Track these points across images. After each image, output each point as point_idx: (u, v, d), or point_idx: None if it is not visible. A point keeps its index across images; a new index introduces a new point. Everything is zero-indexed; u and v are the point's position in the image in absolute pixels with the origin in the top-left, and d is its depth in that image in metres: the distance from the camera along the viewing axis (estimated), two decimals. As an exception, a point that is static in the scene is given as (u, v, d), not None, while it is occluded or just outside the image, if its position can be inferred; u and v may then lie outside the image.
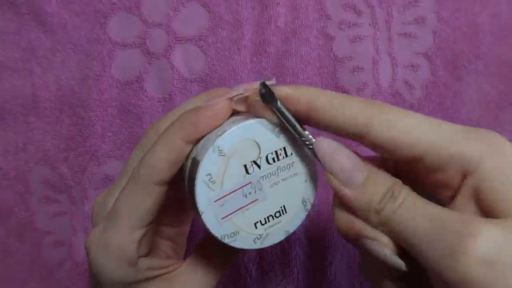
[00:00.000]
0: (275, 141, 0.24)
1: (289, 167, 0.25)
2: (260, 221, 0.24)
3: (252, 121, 0.24)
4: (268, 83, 0.24)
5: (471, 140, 0.21)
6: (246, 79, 0.37)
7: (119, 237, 0.24)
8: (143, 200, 0.24)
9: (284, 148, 0.24)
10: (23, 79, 0.38)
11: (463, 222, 0.19)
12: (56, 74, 0.38)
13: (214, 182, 0.23)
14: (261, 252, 0.37)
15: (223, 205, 0.23)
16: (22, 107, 0.38)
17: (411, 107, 0.37)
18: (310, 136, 0.23)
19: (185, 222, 0.30)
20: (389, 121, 0.21)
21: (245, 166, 0.24)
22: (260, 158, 0.24)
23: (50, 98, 0.38)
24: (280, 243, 0.37)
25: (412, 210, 0.21)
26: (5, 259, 0.38)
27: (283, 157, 0.24)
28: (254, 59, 0.37)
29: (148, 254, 0.27)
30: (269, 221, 0.24)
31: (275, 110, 0.23)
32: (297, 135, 0.24)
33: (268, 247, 0.37)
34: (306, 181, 0.25)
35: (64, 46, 0.38)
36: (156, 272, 0.26)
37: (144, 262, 0.26)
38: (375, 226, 0.22)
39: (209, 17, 0.38)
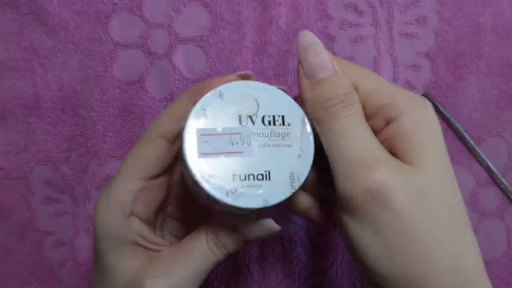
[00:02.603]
0: (276, 107, 0.25)
1: (284, 136, 0.24)
2: (240, 176, 0.23)
3: (260, 83, 0.25)
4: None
5: (401, 97, 0.24)
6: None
7: (118, 184, 0.26)
8: (144, 150, 0.26)
9: (283, 117, 0.25)
10: (25, 79, 0.38)
11: (371, 158, 0.22)
12: (58, 74, 0.38)
13: (207, 117, 0.24)
14: (262, 252, 0.37)
15: (207, 141, 0.23)
16: (23, 107, 0.38)
17: (413, 107, 0.37)
18: None
19: (194, 225, 0.30)
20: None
21: (239, 116, 0.24)
22: (257, 116, 0.24)
23: (52, 98, 0.38)
24: (282, 243, 0.37)
25: (351, 128, 0.23)
26: (7, 259, 0.38)
27: (280, 124, 0.24)
28: (256, 59, 0.37)
29: (145, 223, 0.27)
30: (249, 179, 0.23)
31: None
32: None
33: (268, 248, 0.37)
34: (299, 156, 0.24)
35: (65, 46, 0.38)
36: (143, 242, 0.26)
37: (136, 223, 0.26)
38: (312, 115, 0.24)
39: (210, 18, 0.38)
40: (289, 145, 0.24)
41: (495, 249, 0.37)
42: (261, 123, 0.24)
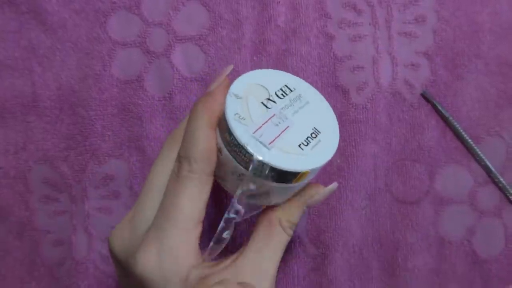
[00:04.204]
0: (276, 81, 0.28)
1: (299, 97, 0.28)
2: (302, 143, 0.26)
3: (249, 72, 0.28)
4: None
5: None
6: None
7: (182, 235, 0.25)
8: (201, 193, 0.25)
9: (286, 85, 0.28)
10: (23, 78, 0.38)
11: None
12: (56, 73, 0.38)
13: (244, 119, 0.25)
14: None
15: (262, 135, 0.25)
16: (22, 106, 0.38)
17: (411, 106, 0.37)
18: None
19: None
20: None
21: (262, 103, 0.26)
22: (271, 95, 0.27)
23: (50, 97, 0.38)
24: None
25: None
26: (5, 258, 0.38)
27: (289, 92, 0.28)
28: (255, 58, 0.37)
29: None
30: (310, 142, 0.26)
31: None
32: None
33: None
34: (319, 104, 0.28)
35: (64, 45, 0.38)
36: (209, 271, 0.26)
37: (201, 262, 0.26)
38: None
39: (209, 16, 0.38)
40: (308, 102, 0.28)
41: (493, 248, 0.37)
42: (278, 98, 0.27)
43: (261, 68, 0.37)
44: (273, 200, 0.27)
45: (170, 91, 0.37)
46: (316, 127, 0.27)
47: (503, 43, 0.37)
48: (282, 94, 0.27)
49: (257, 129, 0.25)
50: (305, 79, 0.37)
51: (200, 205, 0.25)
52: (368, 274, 0.37)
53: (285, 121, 0.26)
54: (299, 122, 0.26)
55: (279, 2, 0.38)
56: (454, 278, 0.37)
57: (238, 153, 0.24)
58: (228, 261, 0.27)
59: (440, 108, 0.37)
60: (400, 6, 0.38)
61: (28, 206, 0.38)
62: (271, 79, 0.28)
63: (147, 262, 0.25)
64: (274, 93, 0.27)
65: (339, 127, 0.37)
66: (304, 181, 0.26)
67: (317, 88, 0.37)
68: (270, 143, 0.25)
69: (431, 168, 0.37)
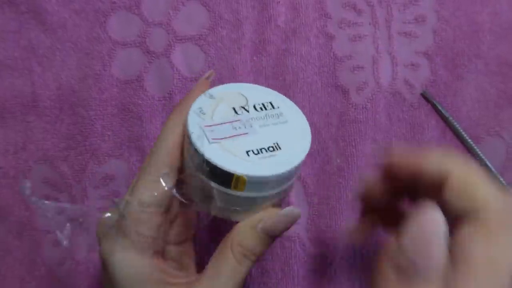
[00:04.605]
0: (261, 96, 0.27)
1: (278, 116, 0.27)
2: (252, 151, 0.24)
3: (239, 83, 0.28)
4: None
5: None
6: (246, 78, 0.37)
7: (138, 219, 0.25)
8: (152, 184, 0.25)
9: (271, 102, 0.27)
10: (23, 78, 0.38)
11: None
12: (56, 73, 0.38)
13: (204, 114, 0.25)
14: (261, 251, 0.37)
15: (213, 131, 0.24)
16: (22, 106, 0.38)
17: (411, 106, 0.37)
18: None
19: (187, 238, 0.30)
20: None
21: (233, 108, 0.26)
22: (248, 106, 0.26)
23: (50, 97, 0.38)
24: (280, 242, 0.37)
25: None
26: (5, 258, 0.38)
27: (271, 108, 0.27)
28: (254, 58, 0.37)
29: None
30: (262, 152, 0.24)
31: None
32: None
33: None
34: (298, 127, 0.27)
35: (64, 45, 0.38)
36: (167, 277, 0.25)
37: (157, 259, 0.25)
38: None
39: (209, 16, 0.38)
40: (286, 121, 0.26)
41: (493, 248, 0.37)
42: (254, 110, 0.26)
43: (261, 68, 0.37)
44: (219, 208, 0.25)
45: (170, 91, 0.37)
46: (278, 143, 0.25)
47: (503, 43, 0.37)
48: (260, 108, 0.26)
49: (211, 125, 0.24)
50: (305, 79, 0.37)
51: (151, 194, 0.25)
52: (368, 274, 0.37)
53: (246, 129, 0.25)
54: (262, 134, 0.25)
55: (279, 2, 0.38)
56: (454, 278, 0.37)
57: (190, 146, 0.24)
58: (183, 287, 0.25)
59: (440, 108, 0.37)
60: (400, 6, 0.38)
61: (28, 206, 0.38)
62: (259, 93, 0.27)
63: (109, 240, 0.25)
64: (252, 104, 0.26)
65: (339, 127, 0.37)
66: (246, 192, 0.24)
67: (317, 88, 0.37)
68: (215, 139, 0.24)
69: (431, 168, 0.37)
